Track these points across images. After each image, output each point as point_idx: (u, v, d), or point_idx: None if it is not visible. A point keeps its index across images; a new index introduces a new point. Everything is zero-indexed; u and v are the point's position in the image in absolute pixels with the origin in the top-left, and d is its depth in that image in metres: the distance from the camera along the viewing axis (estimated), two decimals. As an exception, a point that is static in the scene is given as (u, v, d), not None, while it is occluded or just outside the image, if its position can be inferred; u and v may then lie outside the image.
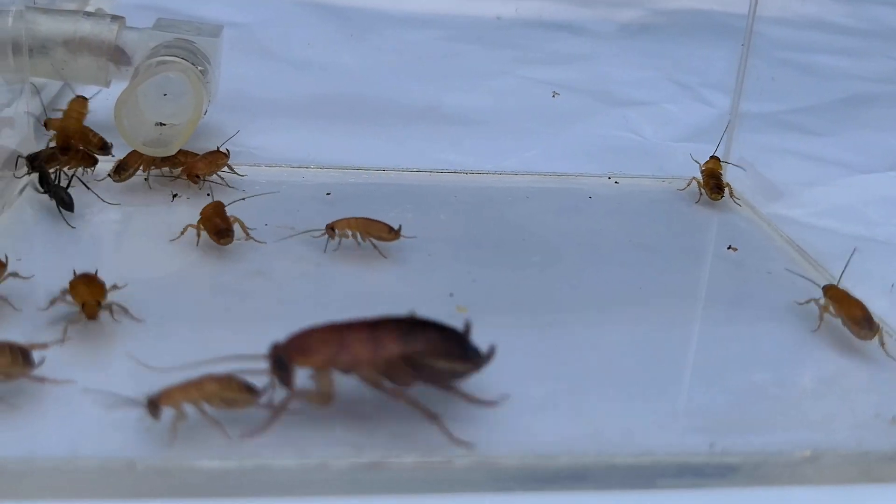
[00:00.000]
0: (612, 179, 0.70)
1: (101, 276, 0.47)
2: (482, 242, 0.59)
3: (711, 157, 0.68)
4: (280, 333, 0.47)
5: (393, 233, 0.55)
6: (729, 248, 0.61)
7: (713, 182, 0.66)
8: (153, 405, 0.39)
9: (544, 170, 0.70)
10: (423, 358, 0.41)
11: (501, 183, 0.67)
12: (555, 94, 0.83)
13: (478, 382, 0.45)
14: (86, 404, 0.40)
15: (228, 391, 0.40)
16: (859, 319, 0.50)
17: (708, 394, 0.46)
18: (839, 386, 0.48)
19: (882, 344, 0.50)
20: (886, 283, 0.57)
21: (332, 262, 0.55)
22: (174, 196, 0.60)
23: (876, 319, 0.50)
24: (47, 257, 0.53)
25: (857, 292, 0.55)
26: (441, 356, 0.41)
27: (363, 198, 0.63)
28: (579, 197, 0.67)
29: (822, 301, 0.52)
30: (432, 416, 0.41)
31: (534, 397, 0.44)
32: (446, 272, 0.55)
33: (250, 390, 0.40)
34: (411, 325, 0.41)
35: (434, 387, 0.41)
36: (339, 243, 0.55)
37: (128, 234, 0.55)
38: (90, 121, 0.63)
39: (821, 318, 0.51)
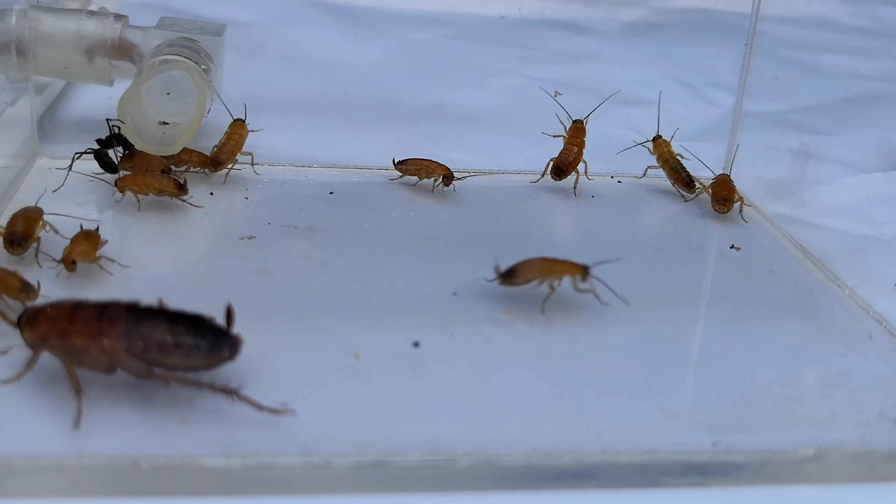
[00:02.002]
0: (616, 179, 0.70)
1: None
2: (486, 241, 0.59)
3: (657, 138, 0.68)
4: (284, 331, 0.48)
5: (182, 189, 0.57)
6: (732, 247, 0.61)
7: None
8: None
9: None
10: (149, 353, 0.40)
11: (505, 181, 0.67)
12: (557, 93, 0.83)
13: (482, 381, 0.45)
14: (90, 402, 0.40)
15: None
16: (720, 199, 0.64)
17: (712, 392, 0.46)
18: (844, 384, 0.48)
19: (740, 211, 0.65)
20: (890, 282, 0.57)
21: (336, 261, 0.55)
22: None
23: (737, 196, 0.64)
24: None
25: (861, 291, 0.55)
26: (169, 351, 0.40)
27: (366, 196, 0.63)
28: (583, 196, 0.67)
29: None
30: (77, 390, 0.40)
31: (537, 395, 0.44)
32: (450, 270, 0.55)
33: None
34: (139, 315, 0.40)
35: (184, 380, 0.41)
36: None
37: (132, 232, 0.55)
38: (95, 119, 0.63)
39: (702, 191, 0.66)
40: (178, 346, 0.40)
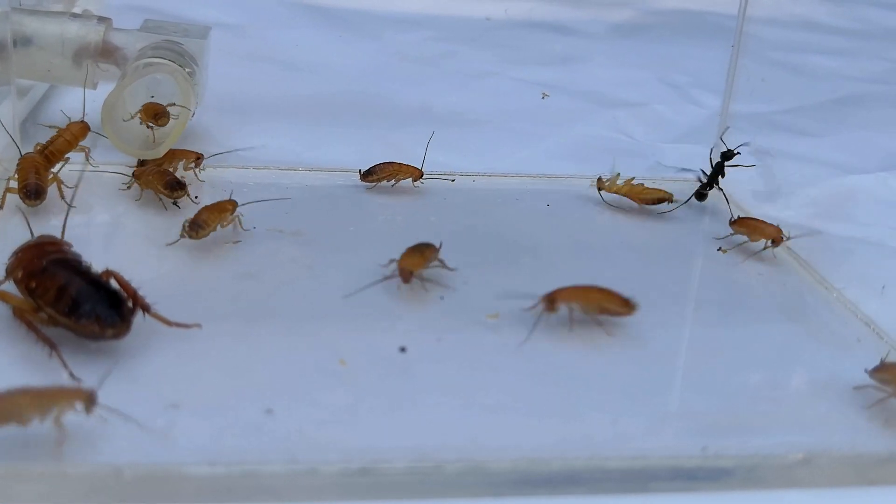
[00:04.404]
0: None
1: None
2: (473, 244, 0.59)
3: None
4: (270, 336, 0.47)
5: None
6: (719, 249, 0.61)
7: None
8: None
9: (535, 171, 0.70)
10: (37, 298, 0.42)
11: (492, 184, 0.66)
12: (544, 95, 0.83)
13: (469, 386, 0.45)
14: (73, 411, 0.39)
15: None
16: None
17: (700, 396, 0.46)
18: (832, 388, 0.48)
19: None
20: (877, 284, 0.57)
21: (322, 265, 0.54)
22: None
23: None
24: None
25: (849, 294, 0.55)
26: (53, 305, 0.42)
27: (353, 200, 0.63)
28: (570, 198, 0.66)
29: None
30: (51, 345, 0.42)
31: (525, 400, 0.44)
32: (437, 274, 0.54)
33: None
34: (57, 265, 0.43)
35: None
36: None
37: (117, 235, 0.55)
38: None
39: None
40: (61, 296, 0.42)
